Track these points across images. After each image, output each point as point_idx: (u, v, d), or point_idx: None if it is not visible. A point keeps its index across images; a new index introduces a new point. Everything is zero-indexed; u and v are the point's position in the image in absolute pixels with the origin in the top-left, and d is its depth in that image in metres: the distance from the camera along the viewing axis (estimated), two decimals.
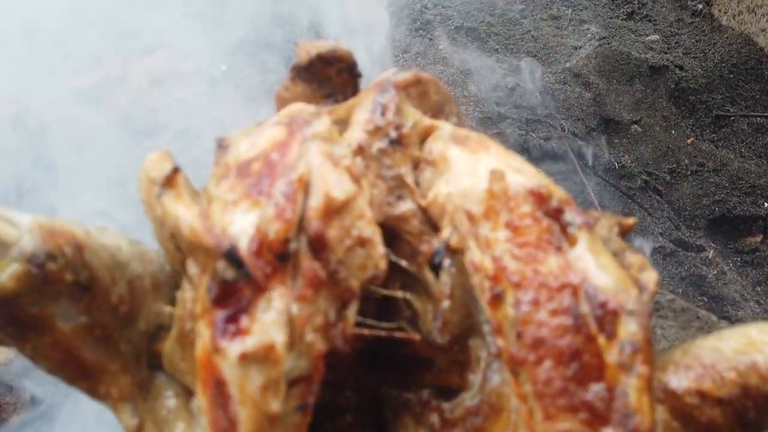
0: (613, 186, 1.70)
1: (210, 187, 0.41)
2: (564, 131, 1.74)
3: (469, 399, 0.42)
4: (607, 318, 0.35)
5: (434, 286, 0.46)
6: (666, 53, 1.97)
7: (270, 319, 0.34)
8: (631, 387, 0.34)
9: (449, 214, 0.43)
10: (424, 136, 0.53)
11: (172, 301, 0.42)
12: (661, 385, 0.40)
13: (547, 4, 2.08)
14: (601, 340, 0.35)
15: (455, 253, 0.41)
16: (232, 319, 0.33)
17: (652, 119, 1.82)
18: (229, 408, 0.32)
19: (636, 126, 1.81)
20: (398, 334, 0.43)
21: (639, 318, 0.35)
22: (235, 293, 0.33)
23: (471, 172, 0.45)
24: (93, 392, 0.39)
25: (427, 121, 0.54)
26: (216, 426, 0.33)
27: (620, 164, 1.71)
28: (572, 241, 0.40)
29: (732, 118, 1.85)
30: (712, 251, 1.56)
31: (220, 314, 0.33)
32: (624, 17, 2.10)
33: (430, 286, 0.46)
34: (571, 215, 0.41)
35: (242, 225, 0.36)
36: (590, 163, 1.76)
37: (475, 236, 0.40)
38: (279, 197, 0.37)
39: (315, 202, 0.38)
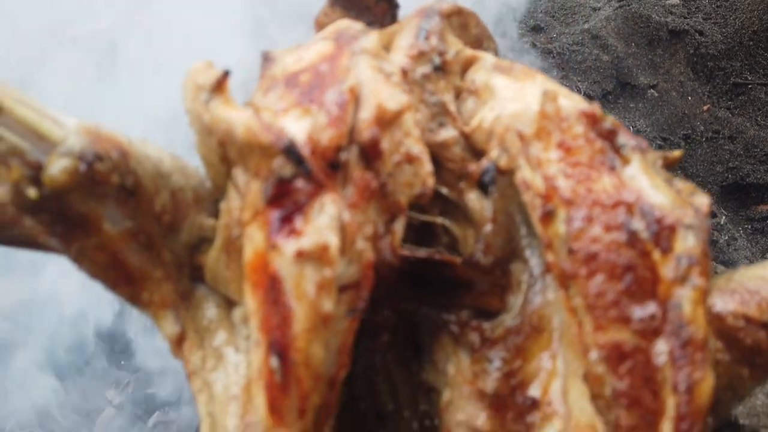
0: None
1: (256, 99, 0.40)
2: (580, 93, 1.72)
3: (510, 319, 0.42)
4: (663, 233, 0.35)
5: (476, 211, 0.45)
6: (686, 18, 1.94)
7: (323, 223, 0.33)
8: (685, 299, 0.33)
9: (498, 136, 0.42)
10: (466, 66, 0.52)
11: (214, 215, 0.41)
12: (706, 308, 0.39)
13: None
14: (656, 254, 0.35)
15: (504, 173, 0.41)
16: (287, 219, 0.33)
17: (669, 84, 1.80)
18: (282, 305, 0.32)
19: (653, 90, 1.79)
20: (440, 256, 0.43)
21: (697, 232, 0.35)
22: (290, 194, 0.33)
23: (518, 99, 0.44)
24: (135, 299, 0.39)
25: (469, 51, 0.52)
26: (268, 323, 0.33)
27: (635, 128, 1.70)
28: (625, 162, 0.39)
29: (749, 86, 1.82)
30: (723, 218, 1.56)
31: (275, 214, 0.33)
32: None
33: (471, 212, 0.45)
34: (624, 137, 0.40)
35: (293, 132, 0.36)
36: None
37: (526, 156, 0.40)
38: (330, 106, 0.36)
39: (366, 114, 0.37)
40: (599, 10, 1.90)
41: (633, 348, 0.34)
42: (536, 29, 1.83)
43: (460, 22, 0.55)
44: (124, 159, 0.38)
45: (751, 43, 1.88)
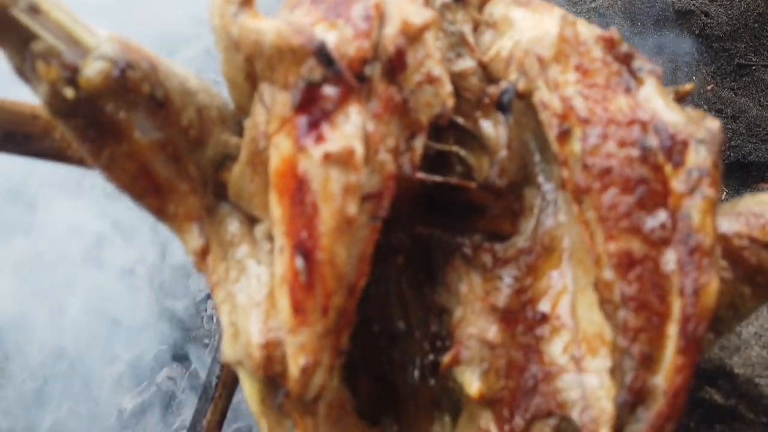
0: (710, 46, 1.71)
1: (283, 15, 0.41)
2: None
3: (522, 241, 0.43)
4: (676, 148, 0.36)
5: (491, 138, 0.46)
6: None
7: (350, 130, 0.34)
8: (695, 209, 0.35)
9: (517, 60, 0.43)
10: (484, 0, 0.53)
11: (238, 135, 0.42)
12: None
13: None
14: (668, 168, 0.36)
15: (522, 97, 0.42)
16: (314, 125, 0.34)
17: (674, 64, 1.80)
18: (308, 207, 0.33)
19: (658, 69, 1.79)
20: (456, 180, 0.44)
21: (709, 146, 0.36)
22: (318, 100, 0.34)
23: (537, 27, 0.45)
24: (161, 211, 0.40)
25: None
26: (294, 227, 0.34)
27: (719, 22, 1.72)
28: (640, 84, 0.40)
29: (753, 68, 1.83)
30: (725, 195, 1.57)
31: (303, 120, 0.34)
32: None
33: (486, 139, 0.46)
34: (640, 61, 0.41)
35: (318, 33, 0.36)
36: (699, 21, 1.76)
37: (545, 78, 0.41)
38: (357, 20, 0.37)
39: (392, 29, 0.38)
40: None
41: (643, 255, 0.35)
42: None
43: None
44: (154, 71, 0.38)
45: (756, 25, 1.88)
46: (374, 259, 0.41)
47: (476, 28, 0.50)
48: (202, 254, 0.41)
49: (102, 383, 1.17)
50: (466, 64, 0.47)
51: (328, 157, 0.33)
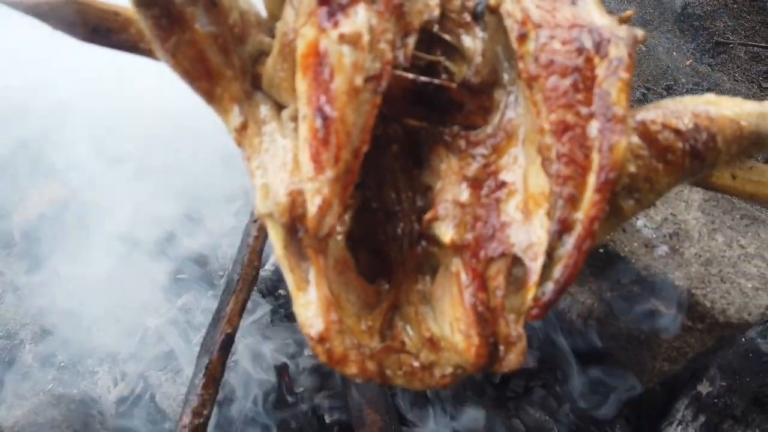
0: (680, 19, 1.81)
1: None
2: None
3: (490, 129, 0.54)
4: (603, 44, 0.47)
5: (469, 49, 0.57)
6: None
7: (359, 20, 0.45)
8: (613, 87, 0.45)
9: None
10: None
11: (271, 37, 0.53)
12: (636, 121, 0.51)
13: None
14: (597, 59, 0.47)
15: (493, 11, 0.52)
16: (332, 14, 0.44)
17: (656, 40, 1.89)
18: (326, 76, 0.44)
19: (641, 46, 1.89)
20: (440, 81, 0.55)
21: (627, 43, 0.46)
22: None
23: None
24: (210, 93, 0.51)
25: None
26: (315, 95, 0.45)
27: None
28: None
29: (731, 45, 1.93)
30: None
31: (324, 10, 0.44)
32: None
33: (466, 51, 0.57)
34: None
35: None
36: None
37: None
38: None
39: None
40: None
41: (574, 124, 0.46)
42: None
43: None
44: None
45: (735, 5, 1.97)
46: (373, 148, 0.51)
47: None
48: (241, 129, 0.52)
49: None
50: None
51: (342, 37, 0.43)
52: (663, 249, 0.89)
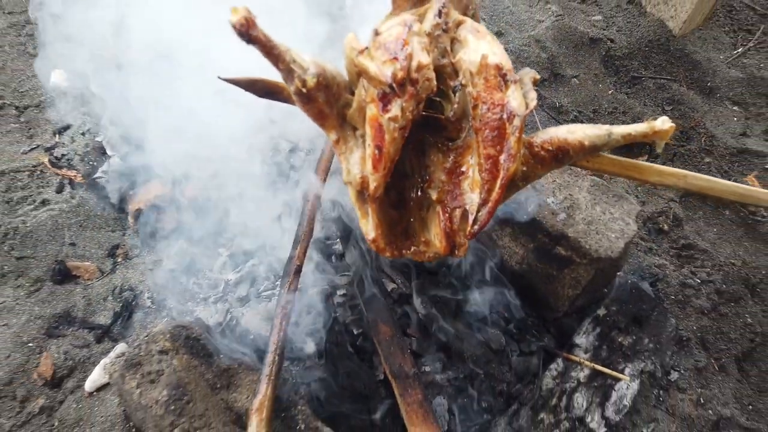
0: (554, 118, 2.34)
1: (371, 51, 1.04)
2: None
3: (459, 142, 1.07)
4: (511, 117, 1.00)
5: (452, 99, 1.10)
6: (604, 30, 2.58)
7: (396, 108, 0.97)
8: (513, 139, 0.99)
9: (463, 69, 1.06)
10: (458, 24, 1.16)
11: (352, 95, 1.06)
12: (529, 141, 1.05)
13: None
14: (507, 125, 1.00)
15: (463, 87, 1.05)
16: (385, 105, 0.97)
17: (586, 75, 2.44)
18: (381, 131, 0.97)
19: (575, 79, 2.44)
20: (437, 114, 1.08)
21: (521, 117, 1.00)
22: (386, 96, 0.97)
23: (476, 49, 1.08)
24: (322, 125, 1.03)
25: (460, 17, 1.16)
26: (375, 138, 0.97)
27: (560, 104, 2.35)
28: (508, 87, 1.04)
29: (642, 78, 2.49)
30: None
31: (380, 104, 0.97)
32: (579, 1, 2.70)
33: (451, 99, 1.11)
34: (511, 75, 1.05)
35: (387, 72, 1.00)
36: (541, 103, 2.39)
37: (472, 81, 1.04)
38: (402, 59, 1.00)
39: (414, 63, 1.02)
40: (542, 22, 2.53)
41: (494, 154, 0.99)
42: (498, 34, 2.46)
43: None
44: (324, 71, 1.02)
45: (647, 48, 2.54)
46: (403, 149, 1.05)
47: (453, 42, 1.14)
48: (336, 143, 1.04)
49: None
50: (446, 61, 1.10)
51: (389, 119, 0.96)
52: (562, 216, 1.44)
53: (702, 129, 2.34)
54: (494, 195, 0.97)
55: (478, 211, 0.99)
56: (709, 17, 2.54)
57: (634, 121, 2.37)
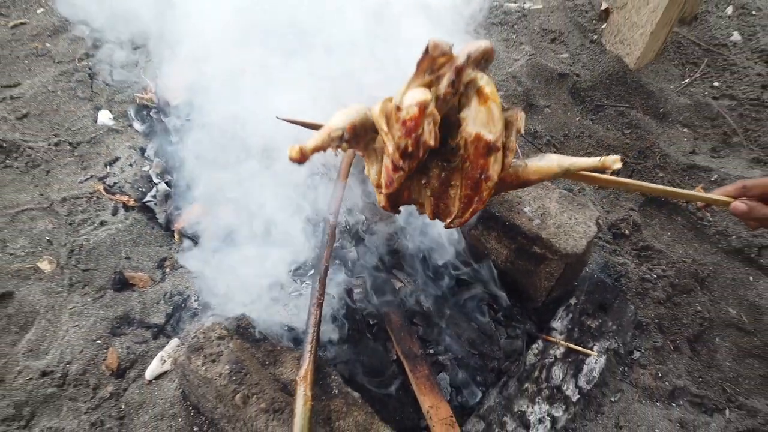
0: (530, 142, 2.71)
1: (392, 123, 1.39)
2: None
3: (453, 164, 1.42)
4: (488, 179, 1.35)
5: (455, 137, 1.45)
6: (571, 66, 2.98)
7: (405, 166, 1.33)
8: (493, 170, 1.34)
9: (462, 135, 1.41)
10: (468, 83, 1.52)
11: (376, 133, 1.40)
12: (512, 166, 1.41)
13: (501, 32, 3.07)
14: (490, 159, 1.36)
15: (459, 146, 1.40)
16: (395, 168, 1.32)
17: (556, 105, 2.82)
18: (390, 177, 1.32)
19: (547, 109, 2.82)
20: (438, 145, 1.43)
21: (512, 151, 1.36)
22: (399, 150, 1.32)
23: (475, 119, 1.43)
24: (355, 148, 1.37)
25: (471, 75, 1.52)
26: (387, 178, 1.32)
27: (535, 130, 2.72)
28: (491, 157, 1.40)
29: (605, 107, 2.88)
30: (583, 183, 2.60)
31: (395, 163, 1.32)
32: (549, 42, 3.10)
33: (452, 137, 1.46)
34: (497, 144, 1.41)
35: (401, 144, 1.35)
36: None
37: (465, 147, 1.39)
38: (412, 140, 1.35)
39: (422, 143, 1.37)
40: (518, 60, 2.92)
41: (477, 180, 1.35)
42: None
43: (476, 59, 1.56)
44: (354, 127, 1.36)
45: (607, 81, 2.93)
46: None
47: (460, 99, 1.49)
48: (363, 155, 1.38)
49: None
50: (456, 115, 1.46)
51: (399, 174, 1.31)
52: (537, 221, 1.79)
53: (656, 148, 2.72)
54: (465, 216, 1.31)
55: (452, 220, 1.34)
56: (659, 53, 2.94)
57: (598, 142, 2.74)
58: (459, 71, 1.24)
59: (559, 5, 3.14)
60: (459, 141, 1.36)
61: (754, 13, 3.28)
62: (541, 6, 3.14)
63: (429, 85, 1.34)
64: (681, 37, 3.10)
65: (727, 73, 3.00)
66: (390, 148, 1.24)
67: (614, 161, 1.41)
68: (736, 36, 3.16)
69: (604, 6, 3.11)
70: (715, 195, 1.46)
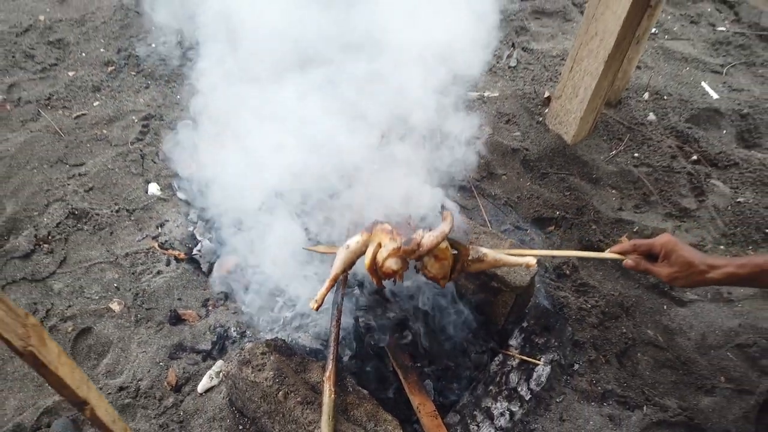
0: (491, 203, 3.37)
1: (372, 271, 2.03)
2: (470, 178, 3.42)
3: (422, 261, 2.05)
4: (442, 279, 2.00)
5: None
6: (522, 142, 3.69)
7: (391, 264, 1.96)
8: (443, 282, 1.98)
9: (425, 265, 2.06)
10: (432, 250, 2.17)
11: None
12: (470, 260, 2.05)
13: (466, 115, 3.82)
14: (439, 281, 2.00)
15: (420, 258, 2.04)
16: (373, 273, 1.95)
17: (511, 173, 3.51)
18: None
19: (504, 176, 3.50)
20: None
21: (464, 270, 2.00)
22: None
23: (433, 264, 2.08)
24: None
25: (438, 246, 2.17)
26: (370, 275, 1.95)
27: (495, 194, 3.39)
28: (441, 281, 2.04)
29: (550, 174, 3.58)
30: (531, 231, 3.25)
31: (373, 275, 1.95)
32: (504, 123, 3.83)
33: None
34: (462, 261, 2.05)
35: (379, 277, 1.98)
36: (483, 193, 3.44)
37: (427, 271, 2.03)
38: (387, 276, 1.99)
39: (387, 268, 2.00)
40: (480, 138, 3.62)
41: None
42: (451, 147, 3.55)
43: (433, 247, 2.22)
44: (350, 266, 1.99)
45: (551, 154, 3.65)
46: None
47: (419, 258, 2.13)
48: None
49: None
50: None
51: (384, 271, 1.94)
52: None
53: (591, 206, 3.41)
54: (443, 282, 1.95)
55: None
56: (591, 131, 3.68)
57: (545, 202, 3.42)
58: (420, 257, 1.93)
59: (512, 93, 3.90)
60: (422, 270, 1.99)
61: (665, 97, 4.09)
62: (497, 94, 3.90)
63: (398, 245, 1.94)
64: (608, 117, 3.87)
65: (645, 146, 3.75)
66: (374, 280, 1.89)
67: (531, 262, 2.02)
68: (651, 116, 3.95)
69: (546, 95, 3.89)
70: (612, 255, 2.07)
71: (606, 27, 3.03)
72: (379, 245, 1.85)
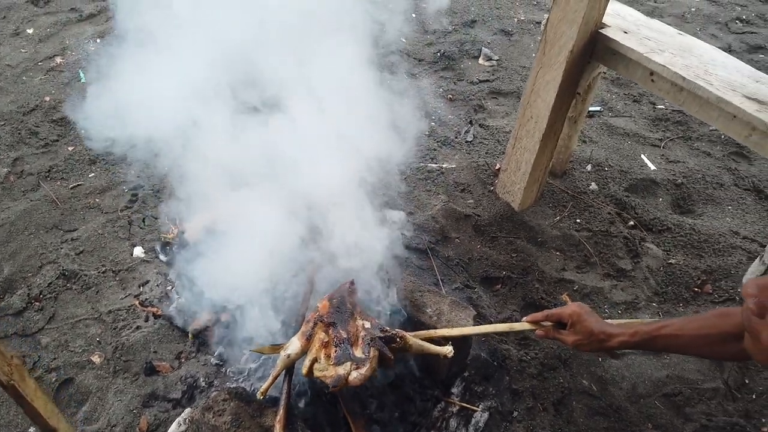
0: (445, 264, 3.67)
1: (310, 371, 2.33)
2: (425, 241, 3.73)
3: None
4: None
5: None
6: (474, 209, 4.02)
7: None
8: (367, 367, 2.28)
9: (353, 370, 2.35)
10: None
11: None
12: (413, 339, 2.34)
13: (425, 185, 4.17)
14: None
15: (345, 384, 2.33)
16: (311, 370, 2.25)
17: (464, 237, 3.82)
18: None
19: (457, 239, 3.81)
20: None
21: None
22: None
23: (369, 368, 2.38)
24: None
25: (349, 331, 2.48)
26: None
27: (447, 255, 3.68)
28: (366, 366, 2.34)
29: (499, 238, 3.89)
30: (479, 289, 3.53)
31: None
32: (459, 191, 4.19)
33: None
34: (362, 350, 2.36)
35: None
36: (436, 255, 3.73)
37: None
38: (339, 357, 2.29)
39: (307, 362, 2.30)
40: (436, 205, 3.94)
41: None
42: (410, 213, 3.87)
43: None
44: (293, 361, 2.28)
45: (498, 218, 3.97)
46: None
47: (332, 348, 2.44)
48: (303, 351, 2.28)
49: None
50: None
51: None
52: (434, 318, 2.68)
53: (536, 267, 3.70)
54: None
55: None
56: (537, 199, 4.03)
57: (493, 263, 3.72)
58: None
59: (467, 165, 4.28)
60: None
61: (606, 168, 4.48)
62: (454, 165, 4.28)
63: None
64: (554, 186, 4.23)
65: (587, 213, 4.09)
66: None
67: (448, 352, 2.30)
68: (593, 185, 4.32)
69: (497, 167, 4.27)
70: (526, 325, 2.35)
71: (539, 112, 3.44)
72: (315, 360, 2.14)
